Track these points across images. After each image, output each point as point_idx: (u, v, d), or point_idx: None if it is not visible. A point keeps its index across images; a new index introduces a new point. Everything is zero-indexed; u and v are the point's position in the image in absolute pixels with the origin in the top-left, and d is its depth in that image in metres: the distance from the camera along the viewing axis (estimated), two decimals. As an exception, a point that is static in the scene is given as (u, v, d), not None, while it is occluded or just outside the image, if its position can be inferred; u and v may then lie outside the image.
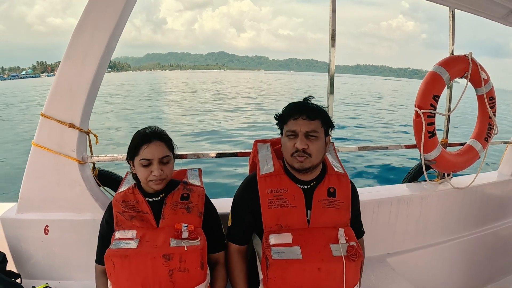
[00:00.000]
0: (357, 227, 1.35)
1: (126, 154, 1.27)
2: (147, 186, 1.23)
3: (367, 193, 1.87)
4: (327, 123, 1.23)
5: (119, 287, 1.14)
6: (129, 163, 1.27)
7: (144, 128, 1.25)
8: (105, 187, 1.71)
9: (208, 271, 1.26)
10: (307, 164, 1.17)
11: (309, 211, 1.21)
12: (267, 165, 1.28)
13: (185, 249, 1.12)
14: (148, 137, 1.21)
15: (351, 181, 1.31)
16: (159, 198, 1.26)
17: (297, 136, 1.17)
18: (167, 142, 1.25)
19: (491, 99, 2.06)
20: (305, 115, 1.17)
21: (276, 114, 1.27)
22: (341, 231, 1.18)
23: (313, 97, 1.26)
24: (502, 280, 2.36)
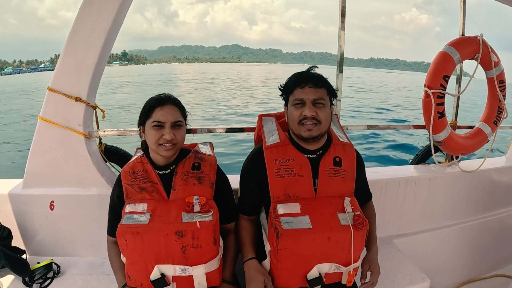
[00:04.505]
0: (365, 192, 1.40)
1: (133, 129, 1.25)
2: (157, 152, 1.19)
3: (375, 173, 1.86)
4: (332, 92, 1.23)
5: (133, 262, 1.14)
6: (139, 129, 1.24)
7: (158, 94, 1.23)
8: (112, 163, 1.70)
9: (221, 244, 1.25)
10: (316, 132, 1.17)
11: (316, 180, 1.21)
12: (272, 137, 1.28)
13: (198, 225, 1.10)
14: (162, 100, 1.19)
15: (356, 150, 1.31)
16: (169, 170, 1.23)
17: (304, 104, 1.17)
18: (181, 108, 1.23)
19: (501, 82, 2.03)
20: (312, 83, 1.17)
21: (280, 85, 1.26)
22: (347, 200, 1.19)
23: (317, 67, 1.26)
24: (508, 267, 2.35)
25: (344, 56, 1.81)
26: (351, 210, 1.16)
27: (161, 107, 1.17)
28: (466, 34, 2.02)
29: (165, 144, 1.16)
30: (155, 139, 1.16)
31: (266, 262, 1.19)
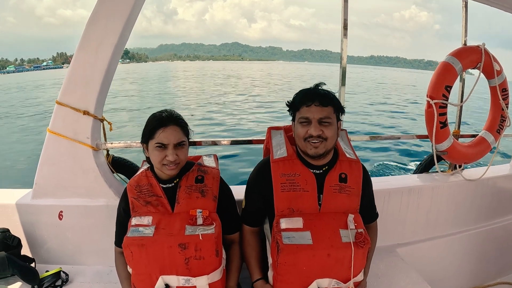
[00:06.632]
0: (371, 210, 1.39)
1: (139, 141, 1.28)
2: (161, 170, 1.22)
3: (378, 182, 1.86)
4: (339, 109, 1.23)
5: (138, 272, 1.18)
6: (143, 146, 1.27)
7: (160, 112, 1.25)
8: (119, 174, 1.73)
9: (224, 255, 1.27)
10: (321, 149, 1.18)
11: (320, 195, 1.22)
12: (280, 150, 1.29)
13: (200, 238, 1.13)
14: (165, 121, 1.20)
15: (363, 166, 1.31)
16: (173, 184, 1.26)
17: (310, 123, 1.18)
18: (183, 127, 1.25)
19: (504, 90, 2.03)
20: (318, 102, 1.18)
21: (287, 101, 1.27)
22: (350, 217, 1.19)
23: (324, 83, 1.26)
24: (512, 275, 2.34)
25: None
26: (354, 227, 1.17)
27: (164, 129, 1.18)
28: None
29: (168, 165, 1.19)
30: (158, 160, 1.19)
31: (270, 274, 1.22)
